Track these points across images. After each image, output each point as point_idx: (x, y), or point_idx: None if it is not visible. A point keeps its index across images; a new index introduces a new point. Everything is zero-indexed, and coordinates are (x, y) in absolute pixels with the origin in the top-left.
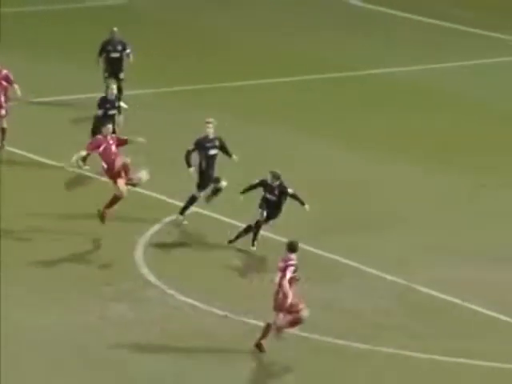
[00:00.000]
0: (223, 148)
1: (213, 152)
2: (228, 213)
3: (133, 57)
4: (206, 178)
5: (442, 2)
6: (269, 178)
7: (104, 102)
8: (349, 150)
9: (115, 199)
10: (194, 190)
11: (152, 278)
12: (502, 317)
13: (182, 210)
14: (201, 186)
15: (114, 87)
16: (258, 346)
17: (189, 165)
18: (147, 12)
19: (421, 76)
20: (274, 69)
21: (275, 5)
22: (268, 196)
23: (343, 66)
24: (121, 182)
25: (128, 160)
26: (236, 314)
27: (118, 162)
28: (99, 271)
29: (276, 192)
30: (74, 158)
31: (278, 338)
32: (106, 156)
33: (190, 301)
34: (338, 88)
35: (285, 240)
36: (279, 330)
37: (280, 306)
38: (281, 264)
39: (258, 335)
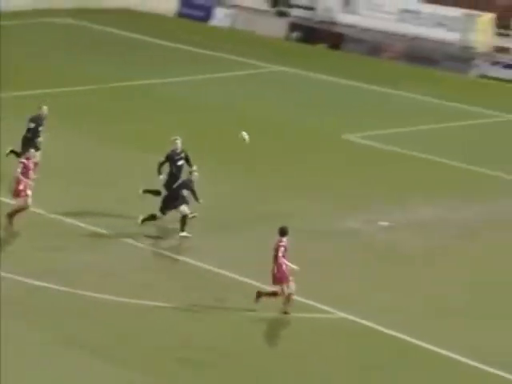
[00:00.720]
0: (187, 160)
1: (180, 163)
2: None
3: None
4: (172, 183)
5: (172, 27)
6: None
7: (36, 119)
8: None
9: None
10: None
11: None
12: (229, 273)
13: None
14: (168, 187)
15: (45, 108)
16: (286, 313)
17: (159, 173)
18: None
19: (161, 87)
20: (43, 81)
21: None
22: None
23: (100, 80)
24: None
25: (28, 203)
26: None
27: (26, 199)
28: None
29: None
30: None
31: (289, 305)
32: (22, 176)
33: None
34: (95, 98)
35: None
36: (289, 297)
37: (280, 279)
38: (275, 246)
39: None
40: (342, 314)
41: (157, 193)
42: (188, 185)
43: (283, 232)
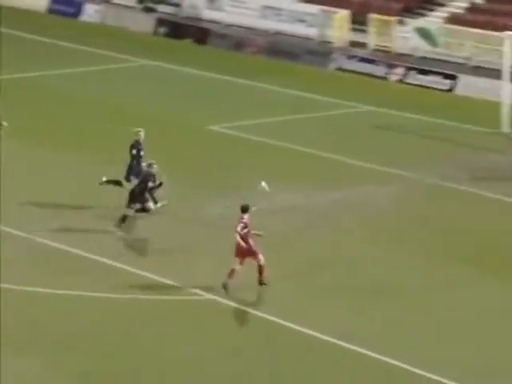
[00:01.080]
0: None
1: (142, 153)
2: None
3: None
4: (135, 172)
5: (44, 22)
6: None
7: None
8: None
9: None
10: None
11: None
12: (104, 259)
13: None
14: (128, 178)
15: None
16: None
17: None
18: None
19: (34, 80)
20: None
21: None
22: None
23: None
24: None
25: None
26: None
27: None
28: None
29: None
30: None
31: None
32: None
33: None
34: None
35: None
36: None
37: (235, 253)
38: (236, 222)
39: None
40: (210, 296)
41: (117, 183)
42: (149, 178)
43: (244, 209)
